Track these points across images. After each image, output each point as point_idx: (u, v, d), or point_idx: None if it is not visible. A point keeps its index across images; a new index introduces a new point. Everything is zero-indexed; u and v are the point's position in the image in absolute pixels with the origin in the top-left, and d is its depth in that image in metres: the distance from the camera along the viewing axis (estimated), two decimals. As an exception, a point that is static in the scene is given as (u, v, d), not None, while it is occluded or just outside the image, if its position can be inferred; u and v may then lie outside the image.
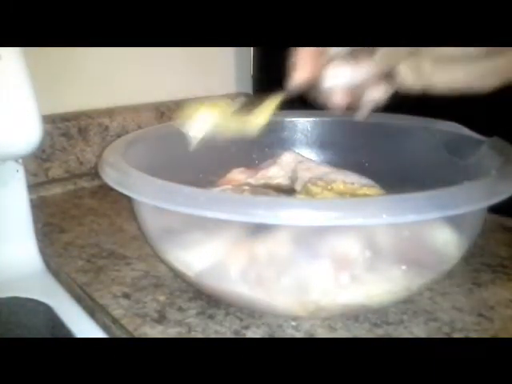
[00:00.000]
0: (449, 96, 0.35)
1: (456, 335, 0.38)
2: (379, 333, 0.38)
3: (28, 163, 0.56)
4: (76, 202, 0.65)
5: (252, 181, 0.53)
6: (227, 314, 0.41)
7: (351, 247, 0.36)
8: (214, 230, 0.38)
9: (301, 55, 0.36)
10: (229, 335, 0.38)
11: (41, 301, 0.46)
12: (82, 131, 0.71)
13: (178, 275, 0.44)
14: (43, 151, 0.68)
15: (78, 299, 0.46)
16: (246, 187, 0.49)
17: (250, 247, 0.37)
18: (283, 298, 0.37)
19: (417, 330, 0.39)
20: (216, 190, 0.50)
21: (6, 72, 0.45)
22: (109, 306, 0.42)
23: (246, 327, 0.39)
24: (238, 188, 0.49)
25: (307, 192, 0.47)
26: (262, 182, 0.53)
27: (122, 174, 0.39)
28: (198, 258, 0.39)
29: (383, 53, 0.35)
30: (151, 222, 0.42)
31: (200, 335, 0.38)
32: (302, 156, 0.57)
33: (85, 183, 0.70)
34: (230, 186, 0.50)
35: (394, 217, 0.32)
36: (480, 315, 0.40)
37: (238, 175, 0.55)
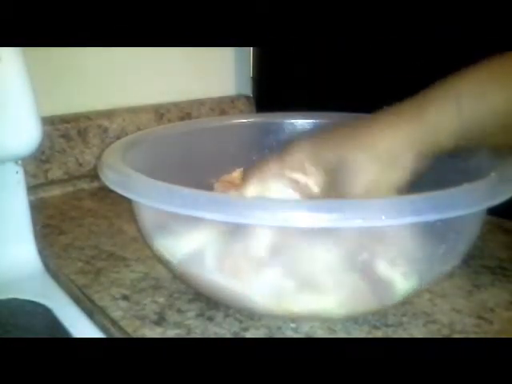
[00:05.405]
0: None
1: (455, 337, 0.38)
2: (378, 335, 0.38)
3: (27, 165, 0.56)
4: (75, 203, 0.65)
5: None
6: (226, 315, 0.41)
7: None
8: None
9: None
10: (228, 337, 0.38)
11: (40, 302, 0.46)
12: (82, 133, 0.71)
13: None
14: (42, 153, 0.68)
15: (77, 301, 0.46)
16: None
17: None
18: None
19: (416, 331, 0.38)
20: (216, 191, 0.50)
21: (6, 73, 0.45)
22: (108, 307, 0.42)
23: (245, 329, 0.39)
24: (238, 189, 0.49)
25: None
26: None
27: (122, 176, 0.39)
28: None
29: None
30: (151, 224, 0.42)
31: (199, 337, 0.38)
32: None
33: (84, 185, 0.70)
34: (229, 187, 0.50)
35: (393, 219, 0.32)
36: (479, 317, 0.40)
37: (237, 176, 0.55)
